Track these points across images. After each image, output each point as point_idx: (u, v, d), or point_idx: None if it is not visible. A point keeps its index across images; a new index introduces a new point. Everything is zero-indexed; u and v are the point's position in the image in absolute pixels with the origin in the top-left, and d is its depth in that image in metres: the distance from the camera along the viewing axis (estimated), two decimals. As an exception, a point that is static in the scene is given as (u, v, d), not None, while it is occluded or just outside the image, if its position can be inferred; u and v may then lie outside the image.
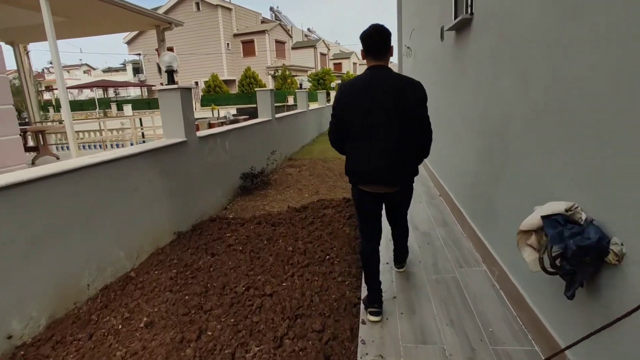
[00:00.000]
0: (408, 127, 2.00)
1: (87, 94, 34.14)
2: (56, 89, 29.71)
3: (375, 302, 2.21)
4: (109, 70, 53.79)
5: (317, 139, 10.85)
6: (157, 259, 3.23)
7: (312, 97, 17.08)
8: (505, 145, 2.37)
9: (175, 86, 3.74)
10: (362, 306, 2.35)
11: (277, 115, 7.32)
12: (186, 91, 3.89)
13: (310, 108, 11.13)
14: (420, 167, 6.26)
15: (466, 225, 3.37)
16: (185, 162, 3.93)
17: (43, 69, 56.56)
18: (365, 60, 2.13)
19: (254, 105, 16.64)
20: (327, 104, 14.79)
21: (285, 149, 7.70)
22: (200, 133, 4.37)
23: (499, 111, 2.48)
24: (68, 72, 55.94)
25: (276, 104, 15.28)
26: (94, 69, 56.70)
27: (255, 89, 6.87)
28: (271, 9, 39.96)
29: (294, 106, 13.12)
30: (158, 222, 3.48)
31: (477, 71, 2.97)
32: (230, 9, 29.12)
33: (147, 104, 26.62)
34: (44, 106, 30.91)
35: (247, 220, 4.15)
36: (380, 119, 1.96)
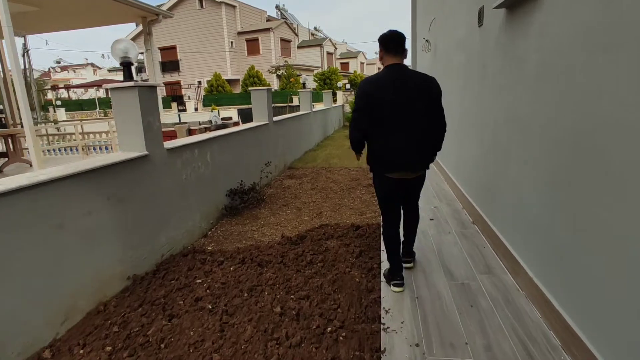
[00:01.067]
0: (429, 119, 2.22)
1: (92, 93, 33.45)
2: (61, 87, 29.32)
3: (397, 275, 2.48)
4: (114, 69, 53.34)
5: (322, 144, 9.92)
6: (94, 322, 2.33)
7: (317, 97, 16.16)
8: (618, 167, 1.43)
9: (130, 83, 2.85)
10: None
11: (276, 119, 6.41)
12: (147, 90, 3.00)
13: (315, 109, 10.22)
14: (443, 181, 5.34)
15: (522, 276, 2.43)
16: (147, 182, 3.04)
17: (49, 68, 56.46)
18: (381, 62, 2.31)
19: (256, 106, 15.78)
20: (334, 105, 13.87)
21: (285, 156, 6.80)
22: (171, 143, 3.48)
23: (597, 117, 1.54)
24: (74, 71, 55.77)
25: (280, 105, 14.39)
26: (100, 68, 56.36)
27: (250, 89, 5.97)
28: (277, 7, 39.08)
29: (299, 107, 12.20)
30: (103, 265, 2.59)
31: (549, 62, 2.03)
32: (234, 7, 28.30)
33: (148, 103, 25.91)
34: (44, 106, 30.49)
35: (228, 256, 3.24)
36: (408, 111, 2.15)
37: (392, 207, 2.47)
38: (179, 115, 12.86)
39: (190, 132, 4.37)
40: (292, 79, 13.60)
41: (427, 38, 6.17)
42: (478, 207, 3.57)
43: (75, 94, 36.50)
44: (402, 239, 2.67)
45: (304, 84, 9.14)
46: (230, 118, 5.71)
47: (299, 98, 13.60)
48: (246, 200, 4.55)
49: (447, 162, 5.18)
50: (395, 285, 2.46)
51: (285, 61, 10.65)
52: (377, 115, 2.17)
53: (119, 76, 44.99)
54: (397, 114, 2.14)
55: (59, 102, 20.29)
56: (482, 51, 3.33)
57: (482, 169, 3.43)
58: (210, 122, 4.76)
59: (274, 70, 10.94)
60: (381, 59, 2.30)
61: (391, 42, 2.23)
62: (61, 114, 17.80)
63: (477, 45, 3.47)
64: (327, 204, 4.68)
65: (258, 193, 4.75)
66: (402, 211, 2.58)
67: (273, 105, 15.07)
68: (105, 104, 24.93)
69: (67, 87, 29.74)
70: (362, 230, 3.66)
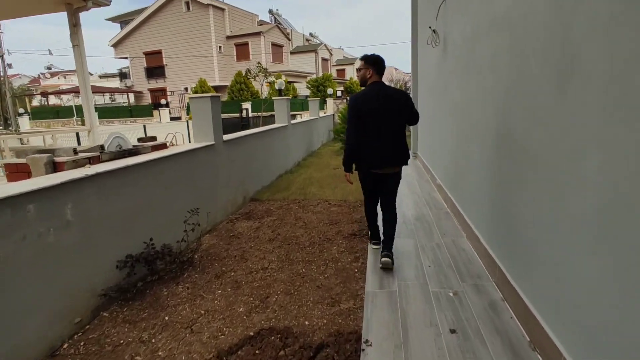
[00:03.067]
0: (403, 122, 2.90)
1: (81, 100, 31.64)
2: (51, 94, 27.70)
3: (375, 238, 3.29)
4: (105, 75, 51.83)
5: (303, 163, 8.25)
6: None
7: (305, 105, 14.55)
8: None
9: None
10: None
11: (229, 137, 4.76)
12: None
13: (295, 121, 8.59)
14: (461, 232, 3.69)
15: None
16: None
17: (39, 75, 54.98)
18: (363, 77, 2.98)
19: (236, 115, 14.09)
20: (322, 114, 12.24)
21: (245, 186, 5.12)
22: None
23: None
24: (65, 77, 54.20)
25: (265, 114, 12.77)
26: (91, 74, 54.79)
27: (190, 96, 4.32)
28: (270, 11, 37.62)
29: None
30: None
31: None
32: (223, 9, 26.80)
33: (129, 111, 24.34)
34: (22, 113, 28.88)
35: None
36: (387, 119, 2.82)
37: (371, 194, 3.13)
38: (144, 126, 11.18)
39: (57, 168, 2.73)
40: (266, 84, 12.09)
41: (434, 28, 4.55)
42: (538, 314, 1.91)
43: (61, 101, 34.82)
44: (381, 224, 3.17)
45: (279, 90, 7.46)
46: (155, 138, 4.04)
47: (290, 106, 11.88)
48: (155, 272, 2.88)
49: (471, 212, 3.53)
50: (374, 244, 3.28)
51: (259, 63, 9.21)
52: (363, 123, 2.83)
53: (110, 82, 43.28)
54: (378, 121, 2.81)
55: (21, 110, 18.57)
56: (550, 26, 1.69)
57: (549, 241, 1.77)
58: (102, 147, 3.07)
59: (243, 74, 9.54)
60: (364, 75, 2.94)
61: (378, 65, 2.90)
62: (24, 123, 16.04)
63: (535, 16, 1.83)
64: (283, 275, 3.01)
65: (177, 256, 3.06)
66: (382, 215, 3.08)
67: (262, 114, 13.40)
68: (82, 111, 23.22)
69: (44, 94, 28.24)
70: (327, 354, 1.99)
